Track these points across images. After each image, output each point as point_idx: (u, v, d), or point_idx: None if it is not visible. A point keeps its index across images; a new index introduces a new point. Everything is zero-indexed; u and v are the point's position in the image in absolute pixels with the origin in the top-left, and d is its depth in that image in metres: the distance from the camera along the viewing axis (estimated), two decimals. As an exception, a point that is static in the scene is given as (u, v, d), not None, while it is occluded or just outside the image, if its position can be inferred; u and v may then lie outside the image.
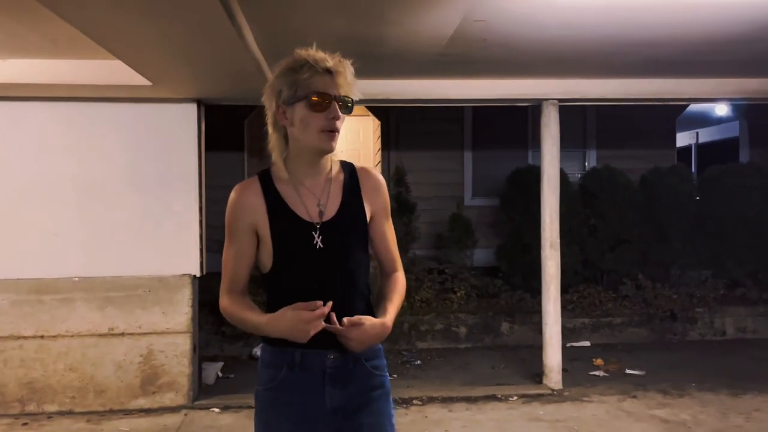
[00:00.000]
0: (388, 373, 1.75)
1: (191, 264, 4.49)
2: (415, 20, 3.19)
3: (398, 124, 7.77)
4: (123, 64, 3.49)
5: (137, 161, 4.48)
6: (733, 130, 10.24)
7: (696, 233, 6.67)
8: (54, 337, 4.38)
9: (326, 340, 1.57)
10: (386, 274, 1.78)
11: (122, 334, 4.43)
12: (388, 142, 7.89)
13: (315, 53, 1.58)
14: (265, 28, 3.26)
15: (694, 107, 8.73)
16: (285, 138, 1.65)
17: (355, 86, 1.62)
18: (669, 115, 8.19)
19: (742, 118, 9.65)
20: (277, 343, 1.61)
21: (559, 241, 4.85)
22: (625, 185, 6.64)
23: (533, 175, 5.70)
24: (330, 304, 1.51)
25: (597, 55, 3.99)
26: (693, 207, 6.80)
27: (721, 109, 9.60)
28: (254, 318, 1.60)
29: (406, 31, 3.37)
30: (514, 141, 7.98)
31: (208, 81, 4.01)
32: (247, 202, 1.64)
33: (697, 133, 12.00)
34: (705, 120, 10.68)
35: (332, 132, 1.58)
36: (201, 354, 4.77)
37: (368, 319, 1.58)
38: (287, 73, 1.58)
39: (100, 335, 4.41)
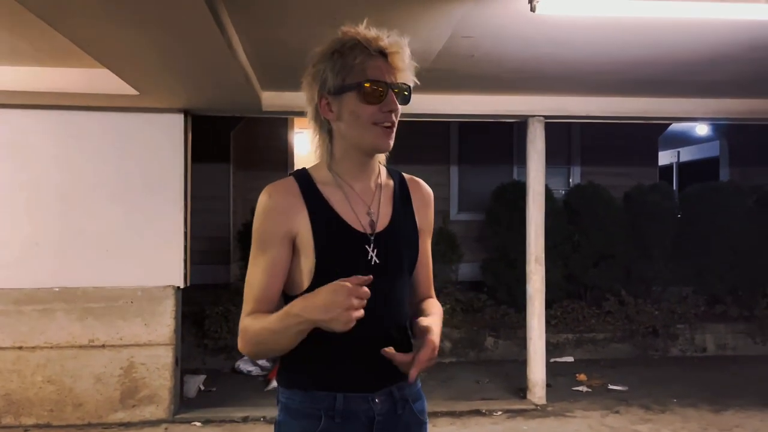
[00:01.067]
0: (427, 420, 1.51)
1: (175, 275, 4.45)
2: (403, 35, 3.21)
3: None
4: (110, 72, 3.47)
5: (122, 171, 4.44)
6: (713, 150, 10.42)
7: (678, 250, 6.75)
8: (32, 348, 4.30)
9: (373, 381, 1.36)
10: (422, 298, 1.54)
11: (103, 346, 4.36)
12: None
13: (366, 31, 1.34)
14: (255, 39, 3.27)
15: (675, 126, 8.88)
16: (329, 134, 1.40)
17: (412, 71, 1.38)
18: (651, 134, 8.31)
19: (723, 138, 9.83)
20: (310, 386, 1.35)
21: (543, 256, 4.87)
22: (608, 202, 6.70)
23: (518, 191, 5.74)
24: (370, 276, 1.22)
25: (583, 73, 4.05)
26: (675, 224, 6.89)
27: (702, 129, 9.77)
28: (276, 316, 1.29)
29: (396, 45, 3.39)
30: (499, 156, 8.04)
31: (196, 91, 4.00)
32: (284, 205, 1.35)
33: (679, 152, 12.19)
34: (686, 139, 10.86)
35: (389, 127, 1.35)
36: (183, 366, 4.71)
37: (430, 338, 1.33)
38: (333, 57, 1.33)
39: (80, 347, 4.34)
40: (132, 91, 3.83)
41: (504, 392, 5.10)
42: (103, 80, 3.73)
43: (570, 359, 6.08)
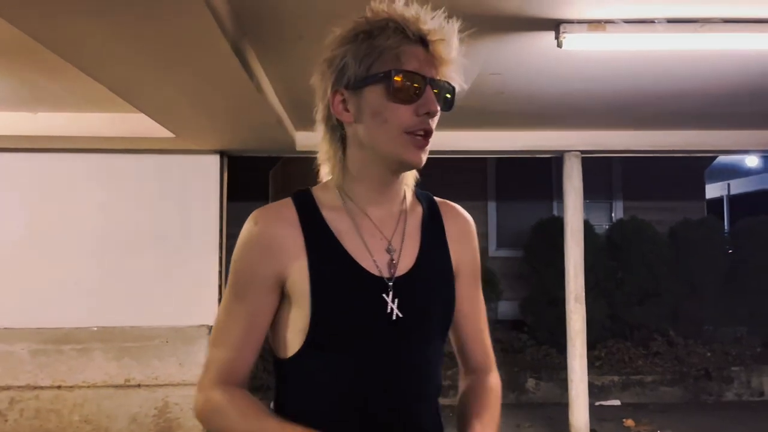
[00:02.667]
0: None
1: (209, 315, 4.47)
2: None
3: (420, 174, 7.78)
4: (147, 117, 3.57)
5: (159, 211, 4.53)
6: (766, 182, 10.02)
7: (729, 288, 6.44)
8: (71, 387, 4.36)
9: None
10: (474, 370, 1.19)
11: (138, 386, 4.39)
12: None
13: (404, 8, 1.01)
14: (285, 81, 3.32)
15: (725, 158, 8.59)
16: (343, 142, 1.08)
17: (460, 68, 1.05)
18: (697, 167, 8.05)
19: (775, 169, 9.46)
20: None
21: (584, 294, 4.71)
22: (652, 237, 6.48)
23: (557, 227, 5.60)
24: None
25: (617, 107, 3.96)
26: (725, 260, 6.59)
27: (752, 161, 9.43)
28: (276, 428, 0.97)
29: (424, 84, 3.39)
30: (538, 191, 7.91)
31: (230, 133, 4.08)
32: (274, 238, 1.02)
33: (729, 185, 11.78)
34: (736, 171, 10.50)
35: (424, 136, 1.02)
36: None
37: None
38: (357, 40, 1.00)
39: (116, 386, 4.38)
40: (168, 134, 3.93)
41: (545, 437, 4.89)
42: (140, 124, 3.84)
43: (616, 402, 5.81)
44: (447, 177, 7.68)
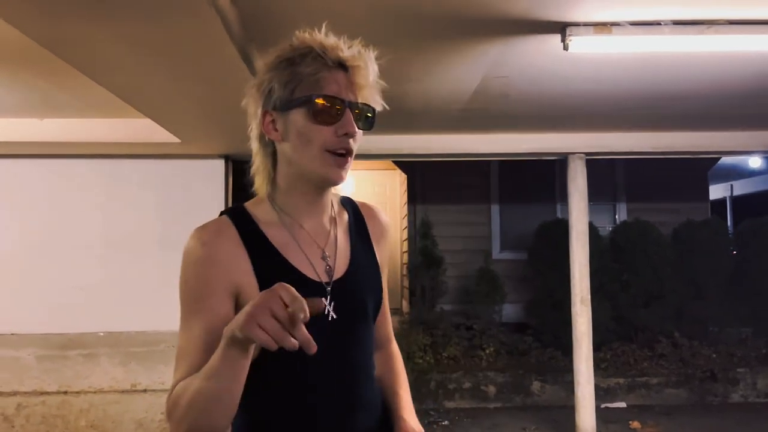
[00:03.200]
0: None
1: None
2: (436, 78, 3.22)
3: (424, 177, 7.78)
4: (153, 122, 3.59)
5: (164, 216, 4.54)
6: (768, 183, 10.01)
7: (733, 289, 6.43)
8: (77, 393, 4.36)
9: None
10: (385, 339, 1.33)
11: (144, 391, 4.39)
12: (414, 195, 7.90)
13: (324, 38, 1.10)
14: (290, 86, 3.32)
15: (728, 159, 8.58)
16: (273, 158, 1.15)
17: (377, 90, 1.13)
18: (701, 168, 8.04)
19: (778, 170, 9.44)
20: None
21: (589, 296, 4.71)
22: (657, 239, 6.47)
23: (561, 229, 5.60)
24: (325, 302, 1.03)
25: (622, 109, 3.96)
26: (729, 261, 6.58)
27: (755, 162, 9.42)
28: (205, 371, 0.97)
29: (429, 88, 3.40)
30: (541, 194, 7.90)
31: (234, 138, 4.09)
32: (221, 254, 1.09)
33: (732, 186, 11.76)
34: (740, 172, 10.48)
35: (343, 156, 1.10)
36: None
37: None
38: (282, 65, 1.09)
39: (122, 391, 4.38)
40: (174, 139, 3.94)
41: (552, 440, 4.88)
42: (146, 129, 3.86)
43: (622, 405, 5.79)
44: (450, 180, 7.73)
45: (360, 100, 1.10)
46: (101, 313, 4.42)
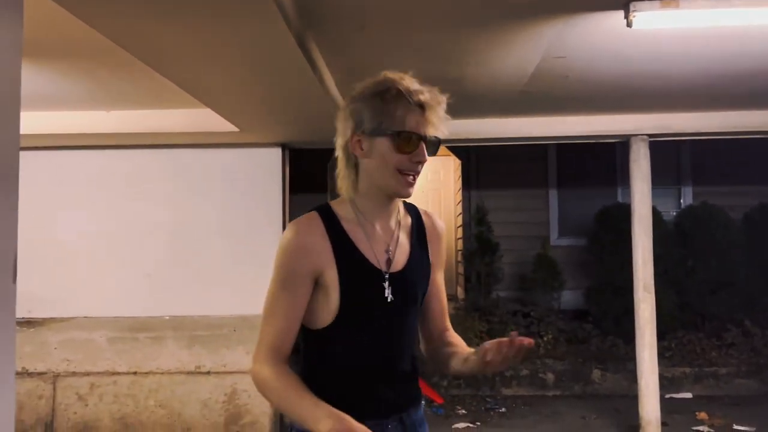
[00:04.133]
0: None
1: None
2: (494, 60, 3.16)
3: (479, 162, 7.69)
4: (212, 112, 3.67)
5: (225, 204, 4.66)
6: None
7: (810, 275, 6.10)
8: (146, 373, 4.55)
9: (386, 408, 1.43)
10: (442, 329, 1.57)
11: (208, 373, 4.54)
12: (469, 181, 7.82)
13: (409, 82, 1.37)
14: (346, 71, 3.34)
15: (802, 139, 8.10)
16: (356, 168, 1.42)
17: (444, 125, 1.40)
18: (774, 148, 7.63)
19: None
20: None
21: (653, 283, 4.56)
22: (725, 224, 6.20)
23: (623, 214, 5.43)
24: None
25: (688, 88, 3.79)
26: (806, 247, 6.24)
27: (834, 141, 8.86)
28: (292, 400, 1.31)
29: (486, 70, 3.35)
30: (601, 178, 7.68)
31: (291, 126, 4.14)
32: (310, 244, 1.38)
33: (808, 167, 11.11)
34: (816, 152, 9.88)
35: (413, 175, 1.38)
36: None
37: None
38: (373, 99, 1.37)
39: (188, 373, 4.54)
40: (233, 128, 4.02)
41: (613, 430, 4.78)
42: (205, 119, 3.95)
43: (688, 395, 5.61)
44: (506, 165, 7.61)
45: (431, 134, 1.38)
46: (167, 298, 4.59)
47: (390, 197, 1.44)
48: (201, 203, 4.66)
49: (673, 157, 7.63)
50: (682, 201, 7.64)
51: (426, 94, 1.36)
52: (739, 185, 7.38)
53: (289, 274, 1.38)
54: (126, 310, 4.58)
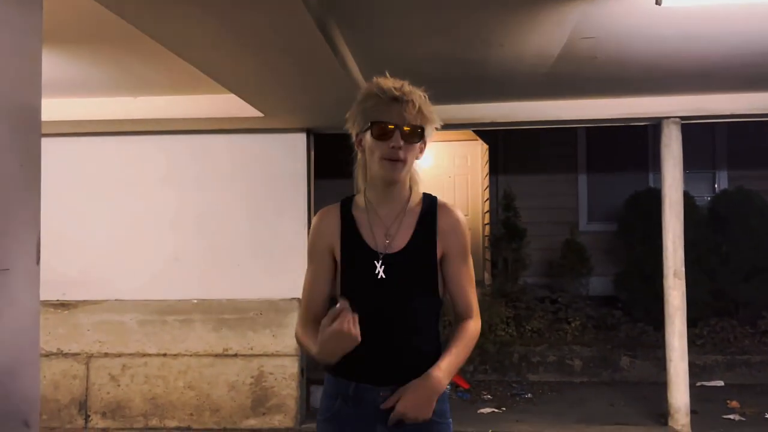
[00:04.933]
0: (451, 419, 1.66)
1: (299, 288, 4.59)
2: (519, 41, 3.10)
3: (507, 147, 7.60)
4: (237, 97, 3.69)
5: (251, 189, 4.70)
6: None
7: None
8: (175, 355, 4.64)
9: (379, 376, 1.59)
10: (460, 317, 1.69)
11: (235, 355, 4.61)
12: (497, 166, 7.74)
13: (384, 81, 1.58)
14: (368, 54, 3.32)
15: None
16: (364, 164, 1.67)
17: (428, 114, 1.58)
18: (814, 131, 7.36)
19: None
20: (333, 372, 1.65)
21: (683, 269, 4.46)
22: (761, 209, 6.03)
23: (654, 199, 5.32)
24: (346, 303, 1.45)
25: (722, 68, 3.67)
26: None
27: None
28: (312, 343, 1.56)
29: (511, 51, 3.28)
30: (632, 162, 7.53)
31: (315, 111, 4.14)
32: (325, 226, 1.68)
33: None
34: None
35: (394, 161, 1.56)
36: (309, 377, 4.85)
37: (405, 389, 1.53)
38: (359, 103, 1.62)
39: (216, 355, 4.62)
40: (257, 113, 4.04)
41: (642, 417, 4.71)
42: (231, 105, 3.98)
43: (720, 383, 5.50)
44: (534, 150, 7.50)
45: (407, 122, 1.55)
46: (195, 281, 4.66)
47: (386, 184, 1.63)
48: (227, 188, 4.71)
49: (708, 141, 7.43)
50: (716, 185, 7.45)
51: (397, 91, 1.55)
52: (776, 169, 7.15)
53: (311, 250, 1.71)
54: (155, 294, 4.66)
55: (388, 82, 1.57)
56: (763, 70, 3.73)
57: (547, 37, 3.03)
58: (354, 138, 1.65)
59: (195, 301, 4.64)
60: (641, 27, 2.94)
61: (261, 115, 4.07)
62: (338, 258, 1.65)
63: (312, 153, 4.76)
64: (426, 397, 1.51)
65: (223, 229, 4.68)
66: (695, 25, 2.94)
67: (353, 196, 1.72)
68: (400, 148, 1.55)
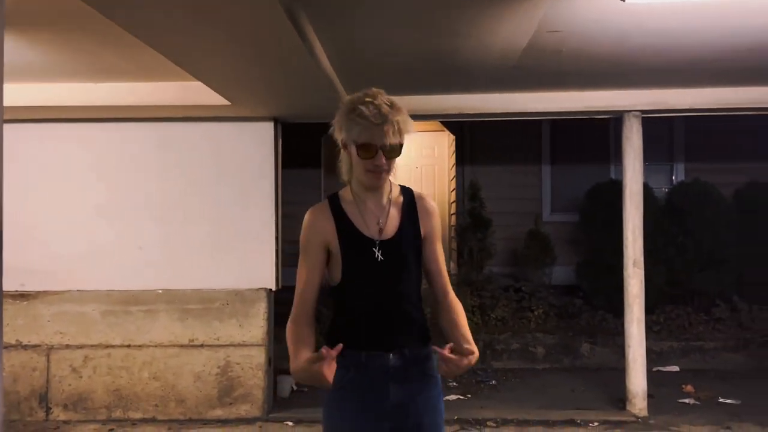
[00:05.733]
0: (439, 376, 1.88)
1: (267, 278, 4.59)
2: (487, 33, 3.14)
3: (473, 138, 7.67)
4: (203, 85, 3.64)
5: (217, 178, 4.64)
6: (841, 140, 9.42)
7: (799, 252, 6.16)
8: (139, 346, 4.58)
9: (387, 343, 1.81)
10: (441, 293, 1.92)
11: (201, 346, 4.58)
12: (463, 156, 7.81)
13: (366, 105, 1.71)
14: (337, 45, 3.31)
15: (795, 116, 8.10)
16: (350, 162, 1.83)
17: (405, 129, 1.74)
18: (766, 126, 7.63)
19: None
20: (344, 347, 1.75)
21: (642, 259, 4.60)
22: (717, 200, 6.24)
23: (615, 191, 5.45)
24: (339, 347, 1.61)
25: (683, 63, 3.78)
26: (795, 224, 6.28)
27: (828, 118, 8.87)
28: (293, 356, 1.74)
29: (479, 44, 3.32)
30: (595, 154, 7.68)
31: (283, 99, 4.11)
32: (319, 223, 1.84)
33: (800, 144, 11.13)
34: (809, 130, 9.90)
35: (377, 173, 1.77)
36: (276, 367, 4.85)
37: (465, 358, 1.71)
38: (344, 116, 1.76)
39: (181, 346, 4.58)
40: (224, 102, 3.99)
41: (601, 402, 4.85)
42: (197, 92, 3.92)
43: (675, 369, 5.70)
44: (499, 141, 7.59)
45: (389, 142, 1.72)
46: (159, 271, 4.60)
47: (372, 189, 1.84)
48: (194, 177, 4.64)
49: (666, 134, 7.63)
50: (674, 177, 7.67)
51: (383, 110, 1.70)
52: (730, 162, 7.40)
53: (305, 246, 1.83)
54: (119, 284, 4.59)
55: (369, 106, 1.71)
56: (721, 66, 3.86)
57: (514, 29, 3.07)
58: (339, 142, 1.81)
59: (160, 291, 4.58)
60: (606, 22, 3.01)
61: (228, 103, 4.02)
62: (335, 250, 1.82)
63: (279, 142, 4.73)
64: (466, 367, 1.72)
65: (188, 218, 4.62)
66: (657, 21, 3.02)
67: (336, 194, 1.89)
68: (383, 164, 1.75)
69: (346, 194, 1.87)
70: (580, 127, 6.70)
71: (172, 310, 4.57)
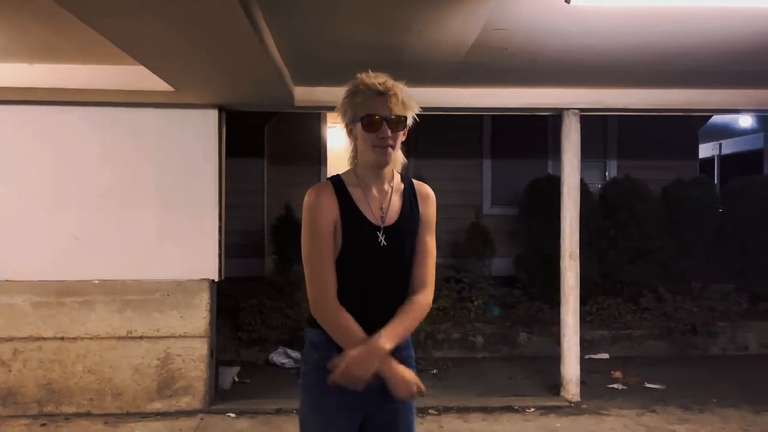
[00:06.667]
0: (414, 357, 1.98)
1: (210, 269, 4.51)
2: (436, 28, 3.18)
3: (417, 131, 7.74)
4: (146, 69, 3.53)
5: (159, 166, 4.52)
6: (757, 142, 10.11)
7: (719, 246, 6.57)
8: (73, 339, 4.42)
9: (372, 324, 1.82)
10: (414, 288, 1.92)
11: (140, 338, 4.46)
12: (407, 149, 7.87)
13: (369, 78, 1.80)
14: (287, 35, 3.28)
15: (717, 118, 8.62)
16: (355, 149, 1.89)
17: (409, 104, 1.80)
18: (692, 126, 8.08)
19: (767, 130, 9.51)
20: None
21: (578, 252, 4.79)
22: (646, 196, 6.56)
23: (553, 185, 5.66)
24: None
25: (620, 64, 3.95)
26: (716, 219, 6.69)
27: (745, 121, 9.48)
28: (352, 337, 1.80)
29: (427, 39, 3.37)
30: (533, 150, 7.93)
31: (230, 87, 4.04)
32: (325, 203, 1.83)
33: (720, 145, 11.85)
34: (728, 131, 10.55)
35: (384, 147, 1.79)
36: (218, 358, 4.78)
37: (352, 350, 1.77)
38: (348, 97, 1.82)
39: (119, 338, 4.45)
40: (167, 88, 3.88)
41: (537, 389, 5.04)
42: (140, 77, 3.80)
43: (605, 356, 5.98)
44: (442, 135, 7.71)
45: (394, 113, 1.78)
46: (96, 261, 4.44)
47: (379, 167, 1.86)
48: (133, 164, 4.50)
49: (600, 132, 7.95)
50: (607, 174, 8.01)
51: (382, 85, 1.77)
52: (659, 160, 7.80)
53: (315, 228, 1.82)
54: (52, 274, 4.40)
55: (372, 78, 1.79)
56: (656, 68, 4.06)
57: (462, 25, 3.13)
58: (344, 128, 1.87)
59: (96, 281, 4.43)
60: (550, 22, 3.11)
61: (171, 89, 3.92)
62: (337, 229, 1.82)
63: (224, 130, 4.65)
64: (367, 358, 1.76)
65: (128, 207, 4.47)
66: (599, 23, 3.15)
67: (337, 175, 1.91)
68: (388, 137, 1.78)
69: (349, 178, 1.89)
70: (519, 122, 6.90)
71: (109, 301, 4.43)
